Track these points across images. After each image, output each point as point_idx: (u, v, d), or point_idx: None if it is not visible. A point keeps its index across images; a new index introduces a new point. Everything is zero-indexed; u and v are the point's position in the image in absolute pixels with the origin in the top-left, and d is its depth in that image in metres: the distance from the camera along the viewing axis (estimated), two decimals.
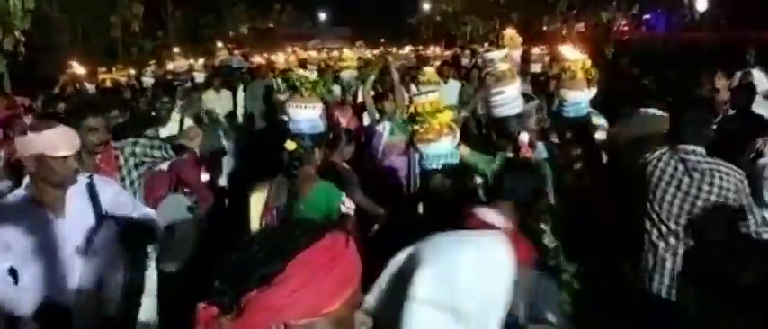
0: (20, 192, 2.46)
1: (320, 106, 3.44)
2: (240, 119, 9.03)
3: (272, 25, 35.61)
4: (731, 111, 4.76)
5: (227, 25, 31.21)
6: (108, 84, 10.04)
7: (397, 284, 1.58)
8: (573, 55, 3.33)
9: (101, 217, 2.48)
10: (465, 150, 3.15)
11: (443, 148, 2.78)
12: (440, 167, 2.72)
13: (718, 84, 5.28)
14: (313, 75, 3.53)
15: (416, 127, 2.79)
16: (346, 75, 7.21)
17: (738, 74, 5.54)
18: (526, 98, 5.89)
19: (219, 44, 13.51)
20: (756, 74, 5.82)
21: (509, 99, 3.21)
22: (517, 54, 7.10)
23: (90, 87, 8.94)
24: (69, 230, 2.42)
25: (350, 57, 7.63)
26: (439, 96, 7.02)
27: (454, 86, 8.44)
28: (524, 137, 3.14)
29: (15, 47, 8.58)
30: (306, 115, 3.35)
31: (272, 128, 8.13)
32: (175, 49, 12.56)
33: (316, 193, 3.10)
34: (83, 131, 2.78)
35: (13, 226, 2.32)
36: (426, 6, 31.05)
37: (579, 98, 3.26)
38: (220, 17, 30.16)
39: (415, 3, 32.86)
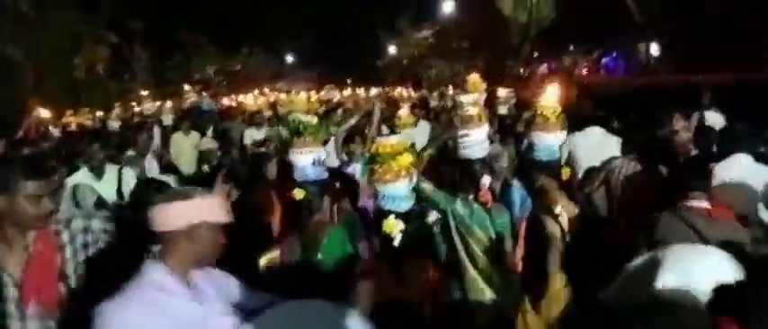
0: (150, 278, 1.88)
1: (324, 151, 3.37)
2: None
3: (238, 67, 35.67)
4: (694, 151, 4.95)
5: (193, 67, 31.11)
6: (73, 127, 9.82)
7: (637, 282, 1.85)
8: (548, 100, 3.44)
9: None
10: (428, 186, 3.11)
11: (400, 190, 2.78)
12: (394, 209, 2.72)
13: (677, 126, 5.51)
14: (314, 120, 3.44)
15: (376, 167, 2.81)
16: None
17: (696, 115, 5.78)
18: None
19: (187, 87, 13.38)
20: (711, 115, 6.10)
21: (475, 142, 3.25)
22: (481, 98, 7.32)
23: (54, 131, 8.71)
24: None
25: (300, 100, 7.11)
26: (405, 138, 7.11)
27: (424, 127, 8.59)
28: (486, 180, 3.19)
29: None
30: (310, 160, 3.25)
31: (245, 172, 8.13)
32: (143, 92, 12.36)
33: (331, 241, 3.01)
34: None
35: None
36: (392, 50, 31.64)
37: (552, 141, 3.36)
38: (187, 59, 30.08)
39: (380, 47, 33.46)
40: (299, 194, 3.04)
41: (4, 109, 12.50)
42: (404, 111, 7.24)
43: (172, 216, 1.86)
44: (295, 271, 2.99)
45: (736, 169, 3.52)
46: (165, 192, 2.05)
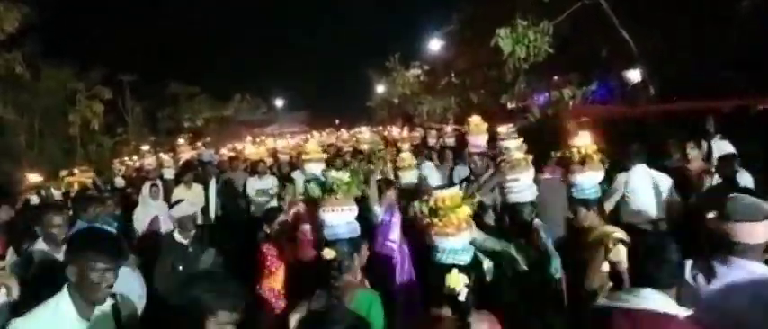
0: None
1: (356, 208, 3.27)
2: (212, 213, 8.82)
3: (227, 113, 35.82)
4: (717, 180, 4.96)
5: (183, 117, 31.20)
6: (75, 186, 9.68)
7: None
8: (582, 139, 3.46)
9: None
10: (479, 235, 3.09)
11: (460, 243, 2.74)
12: (455, 262, 2.68)
13: (690, 155, 5.54)
14: (346, 176, 3.36)
15: (435, 220, 2.76)
16: (313, 168, 5.74)
17: (705, 144, 5.79)
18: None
19: (180, 140, 13.33)
20: (720, 143, 6.13)
21: (523, 186, 3.26)
22: (483, 139, 7.34)
23: (56, 193, 8.58)
24: None
25: (314, 149, 6.12)
26: (412, 178, 7.06)
27: (429, 167, 8.57)
28: (538, 223, 3.18)
29: None
30: (343, 219, 3.16)
31: (249, 224, 8.02)
32: (144, 147, 12.30)
33: (359, 303, 2.90)
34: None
35: None
36: (380, 89, 31.84)
37: (596, 179, 3.38)
38: (177, 109, 30.17)
39: (368, 86, 33.73)
40: (329, 254, 2.93)
41: (0, 172, 12.36)
42: (406, 154, 7.17)
43: None
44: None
45: None
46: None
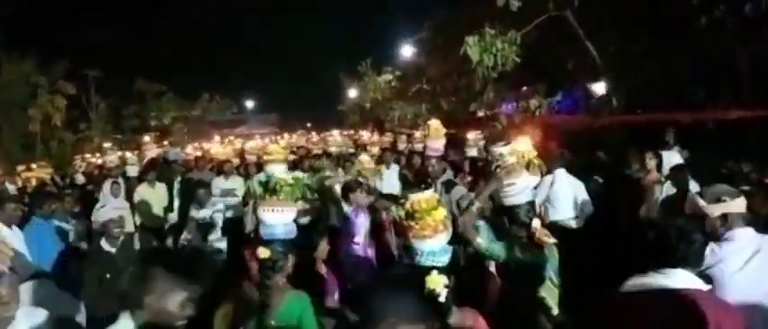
0: None
1: (295, 209, 3.32)
2: (175, 213, 8.67)
3: (195, 113, 35.32)
4: (672, 190, 5.13)
5: (150, 115, 30.61)
6: (33, 182, 9.40)
7: None
8: (524, 145, 3.54)
9: None
10: (483, 241, 3.19)
11: (438, 245, 2.79)
12: (434, 264, 2.71)
13: (649, 165, 5.72)
14: (290, 177, 3.39)
15: (412, 223, 2.80)
16: (274, 168, 5.51)
17: (665, 153, 5.96)
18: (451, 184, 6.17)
19: (146, 137, 13.05)
20: (667, 154, 6.23)
21: (520, 189, 3.32)
22: (441, 143, 7.44)
23: (11, 187, 8.32)
24: None
25: (277, 149, 6.14)
26: (378, 181, 7.08)
27: (394, 170, 8.64)
28: (536, 223, 3.27)
29: None
30: (281, 219, 3.22)
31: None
32: (106, 144, 12.02)
33: (288, 305, 2.95)
34: None
35: None
36: (352, 93, 31.87)
37: (529, 184, 3.47)
38: (144, 107, 29.57)
39: (340, 90, 33.72)
40: (263, 253, 2.96)
41: None
42: (365, 157, 7.22)
43: None
44: None
45: None
46: None
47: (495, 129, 13.18)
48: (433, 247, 2.68)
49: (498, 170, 3.36)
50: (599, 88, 13.56)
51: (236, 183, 8.82)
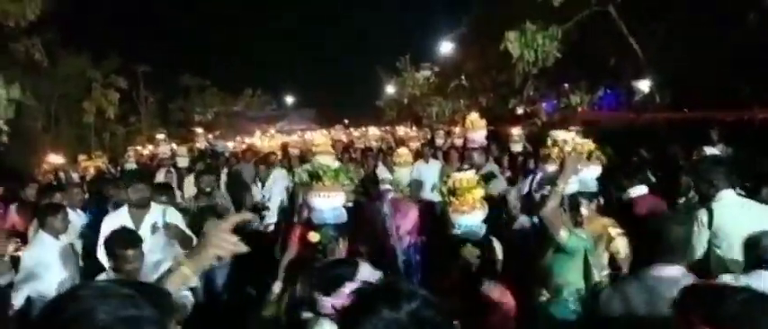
0: None
1: (343, 194, 3.42)
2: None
3: (237, 108, 36.19)
4: None
5: (194, 110, 31.56)
6: (92, 171, 9.98)
7: None
8: (579, 139, 3.68)
9: None
10: (565, 234, 3.00)
11: (474, 221, 3.02)
12: (470, 237, 2.87)
13: None
14: (335, 164, 3.54)
15: (453, 199, 3.05)
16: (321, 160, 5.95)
17: (708, 151, 5.94)
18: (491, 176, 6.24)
19: (199, 130, 13.56)
20: (710, 150, 6.18)
21: (582, 177, 3.44)
22: (482, 135, 7.49)
23: (74, 176, 8.87)
24: None
25: (324, 141, 5.99)
26: (420, 175, 7.21)
27: (435, 165, 8.77)
28: (584, 209, 3.38)
29: None
30: (329, 204, 3.31)
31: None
32: (159, 136, 12.62)
33: None
34: None
35: None
36: (390, 89, 31.98)
37: (596, 174, 3.62)
38: (188, 101, 30.51)
39: (377, 86, 33.90)
40: (314, 237, 3.02)
41: (13, 153, 12.69)
42: (403, 149, 7.42)
43: None
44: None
45: None
46: None
47: (535, 126, 13.16)
48: (470, 222, 2.93)
49: (572, 155, 3.39)
50: (643, 85, 13.35)
51: (280, 175, 9.16)
